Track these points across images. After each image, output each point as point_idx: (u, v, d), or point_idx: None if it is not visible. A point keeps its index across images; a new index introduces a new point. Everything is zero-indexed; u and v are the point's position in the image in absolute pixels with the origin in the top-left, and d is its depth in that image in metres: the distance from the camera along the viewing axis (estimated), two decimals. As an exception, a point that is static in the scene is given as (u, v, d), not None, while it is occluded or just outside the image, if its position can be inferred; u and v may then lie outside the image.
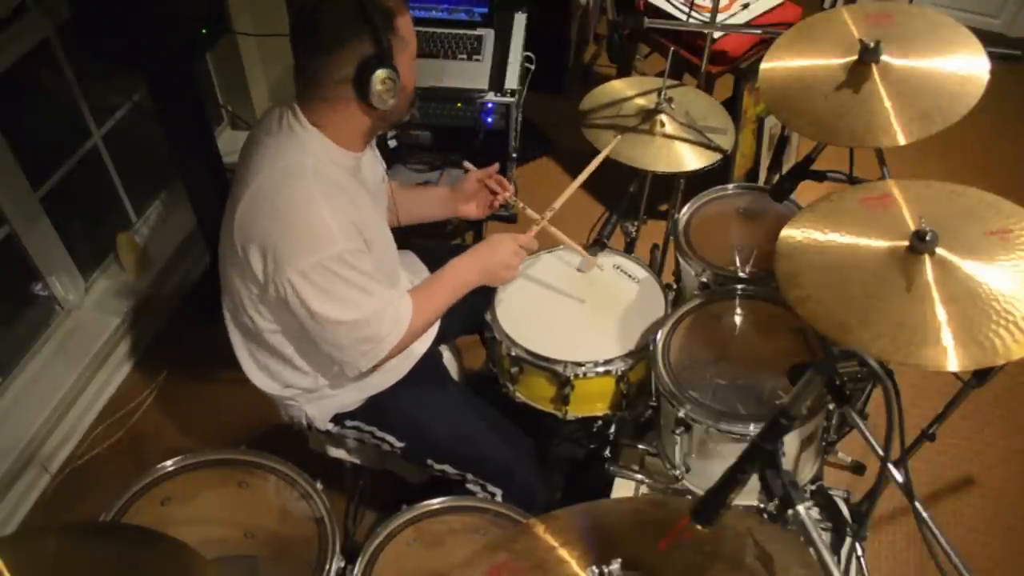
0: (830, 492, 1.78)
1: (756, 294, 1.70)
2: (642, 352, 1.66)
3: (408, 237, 1.85)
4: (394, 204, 1.80)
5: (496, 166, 1.83)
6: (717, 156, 1.85)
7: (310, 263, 1.38)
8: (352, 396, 1.68)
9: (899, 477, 1.30)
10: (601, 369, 1.63)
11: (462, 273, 1.65)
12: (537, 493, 1.75)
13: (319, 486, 1.50)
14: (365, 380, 1.66)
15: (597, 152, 1.86)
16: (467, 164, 1.84)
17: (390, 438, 1.71)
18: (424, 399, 1.72)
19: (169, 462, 1.52)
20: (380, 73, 1.36)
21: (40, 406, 2.29)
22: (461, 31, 2.52)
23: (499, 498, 1.70)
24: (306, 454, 1.85)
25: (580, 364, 1.63)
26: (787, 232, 1.40)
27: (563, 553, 1.18)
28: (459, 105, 2.40)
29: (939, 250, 1.26)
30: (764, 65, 1.64)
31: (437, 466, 1.72)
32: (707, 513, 1.06)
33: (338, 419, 1.71)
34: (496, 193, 1.81)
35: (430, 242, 2.00)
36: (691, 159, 1.85)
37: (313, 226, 1.39)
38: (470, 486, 1.72)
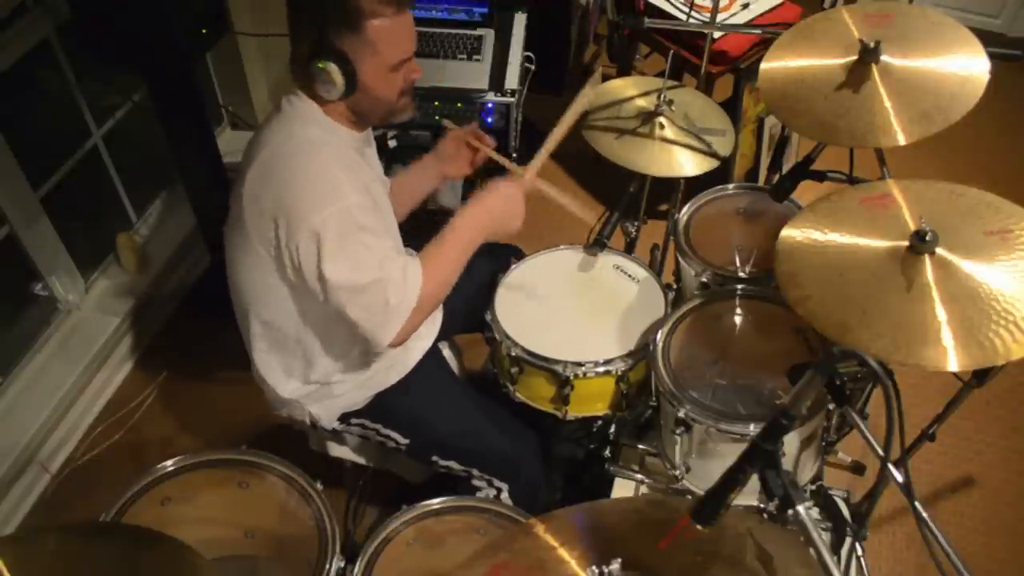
0: (830, 492, 1.78)
1: (756, 294, 1.70)
2: (642, 352, 1.66)
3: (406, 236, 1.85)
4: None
5: (475, 124, 1.80)
6: (715, 162, 1.85)
7: (322, 218, 1.37)
8: (358, 395, 1.68)
9: (899, 477, 1.30)
10: (601, 369, 1.63)
11: (469, 228, 1.56)
12: (542, 488, 1.75)
13: (319, 486, 1.50)
14: (370, 377, 1.66)
15: (597, 153, 1.87)
16: (446, 123, 1.80)
17: (395, 435, 1.71)
18: (428, 395, 1.72)
19: (169, 462, 1.52)
20: (316, 64, 1.38)
21: (40, 406, 2.29)
22: (461, 31, 2.52)
23: (505, 493, 1.70)
24: (306, 454, 1.86)
25: (580, 364, 1.63)
26: (787, 232, 1.40)
27: (563, 553, 1.18)
28: (459, 105, 2.41)
29: (939, 250, 1.26)
30: (764, 65, 1.64)
31: (442, 462, 1.71)
32: (707, 513, 1.06)
33: (344, 417, 1.71)
34: (477, 150, 1.77)
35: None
36: (689, 164, 1.85)
37: (323, 180, 1.39)
38: (475, 482, 1.72)
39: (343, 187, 1.39)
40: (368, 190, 1.46)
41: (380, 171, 1.70)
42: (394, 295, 1.44)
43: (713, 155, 1.85)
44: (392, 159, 2.68)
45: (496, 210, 1.57)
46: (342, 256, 1.39)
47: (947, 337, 1.17)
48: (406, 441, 1.71)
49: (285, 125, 1.45)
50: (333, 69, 1.38)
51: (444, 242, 1.55)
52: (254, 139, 1.50)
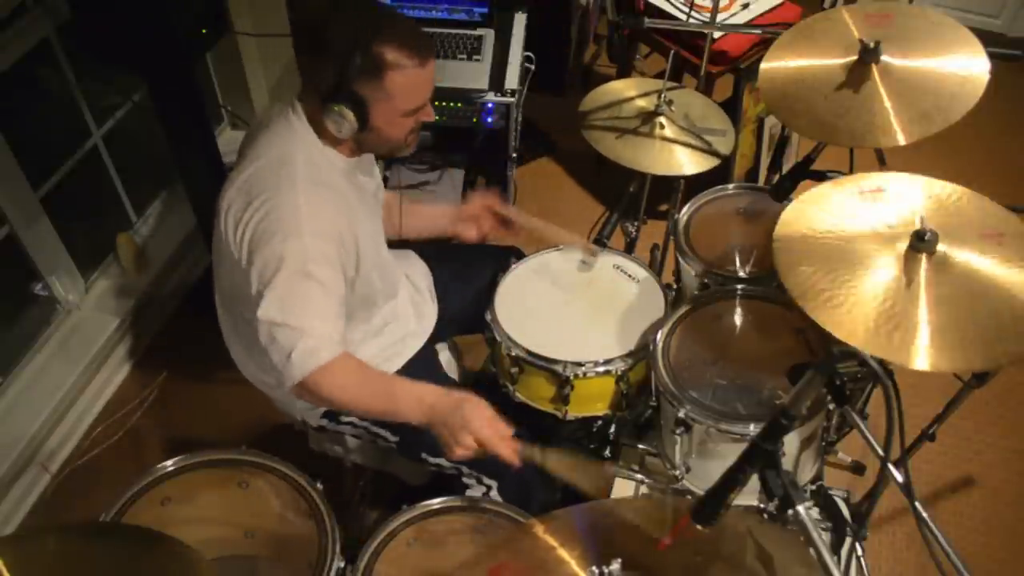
0: (830, 492, 1.78)
1: (756, 294, 1.70)
2: (642, 352, 1.66)
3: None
4: (399, 216, 1.80)
5: (499, 199, 1.84)
6: (715, 161, 1.85)
7: (280, 251, 1.37)
8: None
9: (899, 477, 1.30)
10: (601, 369, 1.63)
11: (408, 395, 1.46)
12: (533, 486, 1.74)
13: (319, 486, 1.50)
14: None
15: (598, 155, 1.86)
16: (480, 185, 1.84)
17: (384, 432, 1.71)
18: None
19: (169, 462, 1.52)
20: (332, 105, 1.38)
21: (40, 406, 2.29)
22: (461, 31, 2.52)
23: (494, 491, 1.69)
24: (306, 454, 1.86)
25: (580, 364, 1.62)
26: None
27: (563, 553, 1.18)
28: (459, 105, 2.41)
29: (940, 247, 1.25)
30: (764, 65, 1.64)
31: (432, 460, 1.71)
32: (707, 513, 1.06)
33: (331, 415, 1.71)
34: (500, 219, 1.83)
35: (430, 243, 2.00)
36: (689, 163, 1.85)
37: (285, 219, 1.39)
38: (465, 479, 1.71)
39: (301, 230, 1.38)
40: (338, 234, 1.44)
41: (375, 190, 1.68)
42: (298, 353, 1.38)
43: (713, 154, 1.85)
44: (392, 159, 2.69)
45: (445, 411, 1.44)
46: (281, 293, 1.37)
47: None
48: (395, 438, 1.71)
49: (277, 144, 1.45)
50: (347, 112, 1.39)
51: (383, 376, 1.54)
52: (247, 144, 1.50)
